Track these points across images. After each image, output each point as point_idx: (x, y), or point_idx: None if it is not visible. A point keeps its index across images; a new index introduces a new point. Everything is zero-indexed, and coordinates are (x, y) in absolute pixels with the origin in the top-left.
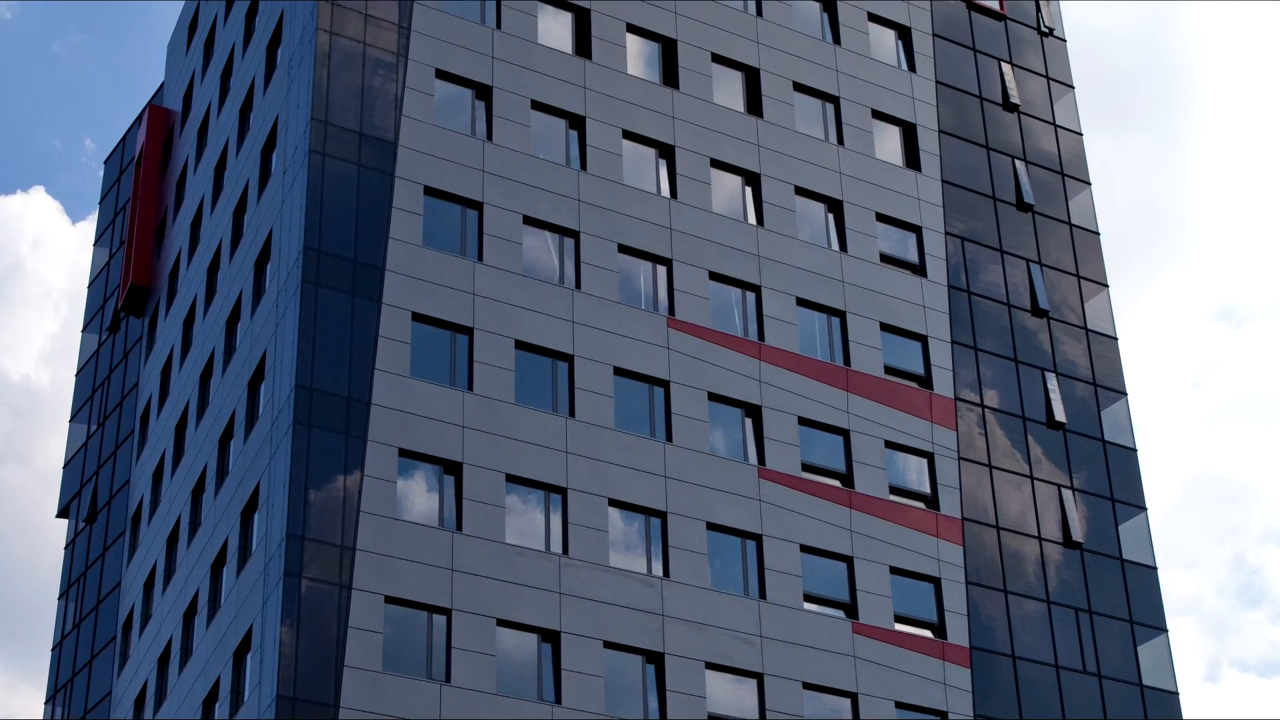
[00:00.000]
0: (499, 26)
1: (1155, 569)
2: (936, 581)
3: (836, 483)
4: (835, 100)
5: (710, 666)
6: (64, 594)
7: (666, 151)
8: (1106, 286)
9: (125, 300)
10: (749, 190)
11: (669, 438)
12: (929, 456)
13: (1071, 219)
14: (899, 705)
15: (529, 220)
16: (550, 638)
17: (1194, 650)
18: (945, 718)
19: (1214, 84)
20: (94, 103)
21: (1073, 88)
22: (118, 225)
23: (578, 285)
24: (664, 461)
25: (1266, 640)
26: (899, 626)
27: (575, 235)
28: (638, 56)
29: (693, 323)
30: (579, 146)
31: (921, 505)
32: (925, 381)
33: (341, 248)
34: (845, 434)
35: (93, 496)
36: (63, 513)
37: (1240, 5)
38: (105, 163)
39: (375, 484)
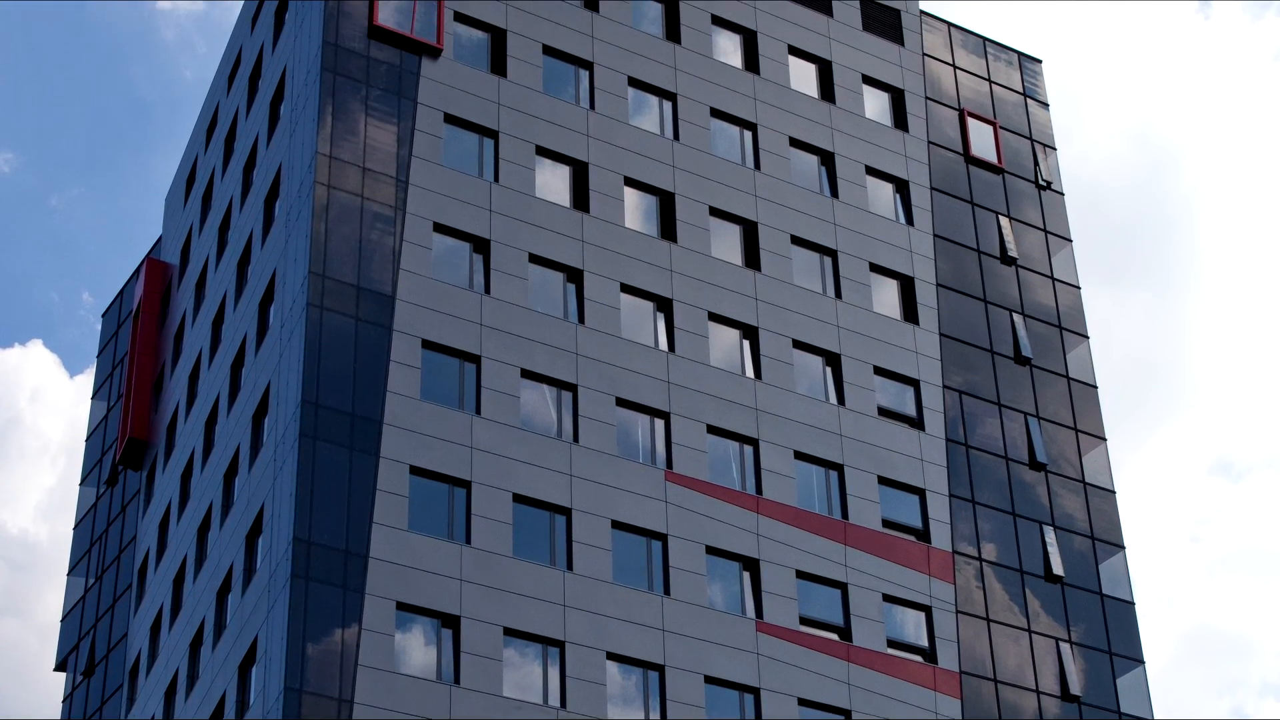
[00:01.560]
0: (497, 180)
1: None
2: None
3: (834, 636)
4: (833, 254)
5: None
6: None
7: (664, 305)
8: (1104, 440)
9: (123, 453)
10: (747, 344)
11: (667, 591)
12: (927, 610)
13: (1069, 373)
14: None
15: (527, 374)
16: None
17: None
18: None
19: (1212, 238)
20: (92, 256)
21: (1070, 241)
22: (115, 378)
23: (575, 439)
24: (662, 615)
25: None
26: None
27: (573, 389)
28: (635, 210)
29: (691, 476)
30: (577, 300)
31: (919, 658)
32: (923, 535)
33: (339, 401)
34: (843, 587)
35: (90, 650)
36: (60, 666)
37: (1238, 160)
38: (103, 316)
39: (373, 637)
